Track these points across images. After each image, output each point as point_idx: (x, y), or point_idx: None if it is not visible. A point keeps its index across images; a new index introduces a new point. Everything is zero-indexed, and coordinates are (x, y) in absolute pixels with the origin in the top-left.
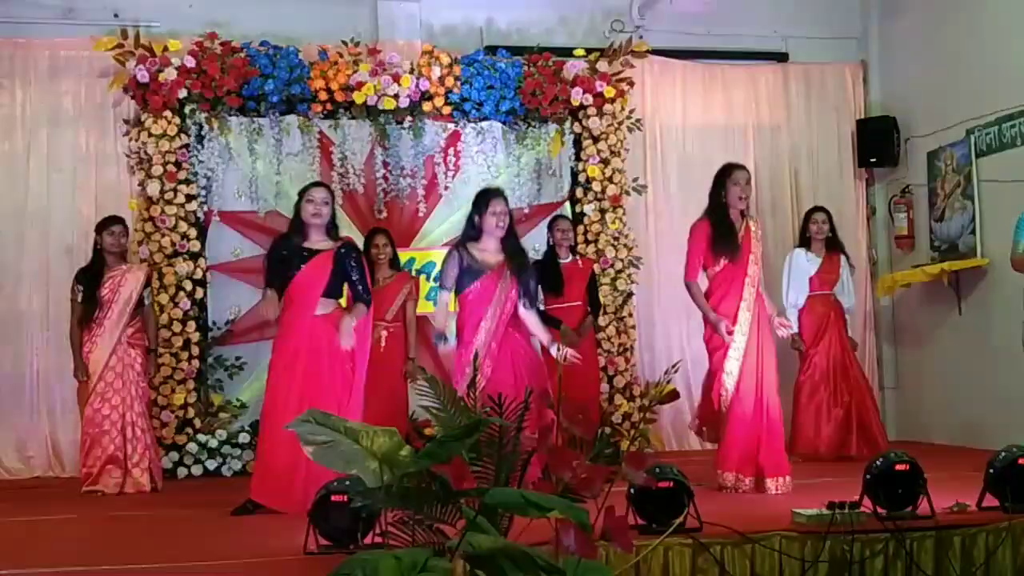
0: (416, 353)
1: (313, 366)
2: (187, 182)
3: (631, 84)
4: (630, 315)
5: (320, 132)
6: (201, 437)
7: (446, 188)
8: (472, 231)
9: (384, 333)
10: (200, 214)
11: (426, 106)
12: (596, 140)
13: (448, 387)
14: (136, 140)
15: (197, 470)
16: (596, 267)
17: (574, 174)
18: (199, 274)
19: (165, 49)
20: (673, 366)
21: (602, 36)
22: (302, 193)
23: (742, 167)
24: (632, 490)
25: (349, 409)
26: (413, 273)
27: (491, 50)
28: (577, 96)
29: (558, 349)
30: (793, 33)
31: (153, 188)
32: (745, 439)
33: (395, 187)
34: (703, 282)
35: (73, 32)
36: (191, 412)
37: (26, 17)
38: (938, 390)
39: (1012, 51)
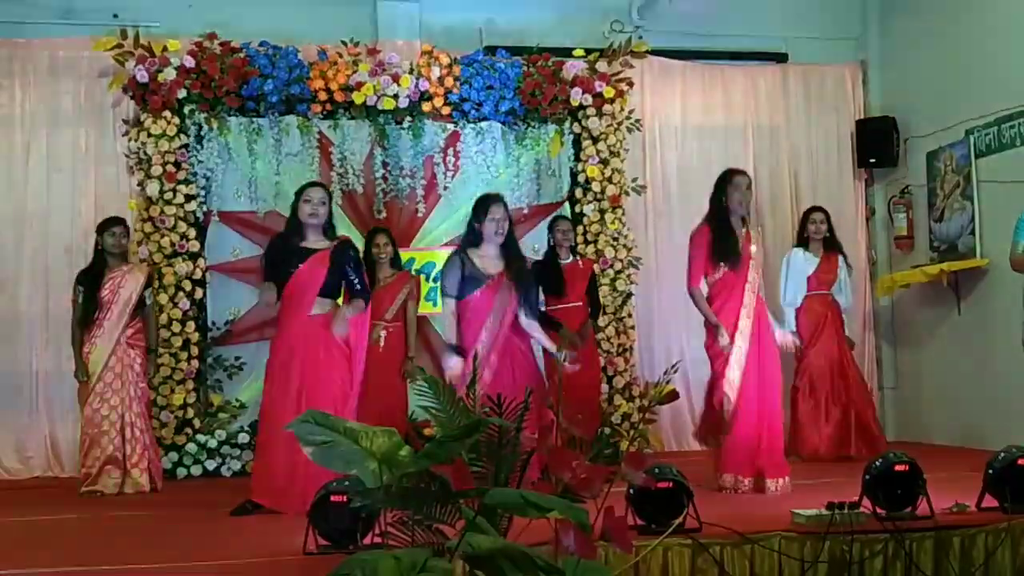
0: (416, 353)
1: (310, 366)
2: (186, 182)
3: (630, 84)
4: (629, 315)
5: (319, 132)
6: (200, 437)
7: (445, 188)
8: (472, 237)
9: (383, 333)
10: (199, 214)
11: (425, 106)
12: (595, 140)
13: (447, 387)
14: (135, 140)
15: (196, 470)
16: (596, 267)
17: (573, 174)
18: (198, 274)
19: (164, 49)
20: (672, 366)
21: (601, 36)
22: (299, 193)
23: (743, 172)
24: (631, 490)
25: (346, 409)
26: (413, 273)
27: (490, 50)
28: (576, 96)
29: (564, 358)
30: (793, 34)
31: (152, 188)
32: (747, 444)
33: (394, 187)
34: (703, 289)
35: (73, 32)
36: (190, 412)
37: (26, 17)
38: (937, 390)
39: (1012, 52)
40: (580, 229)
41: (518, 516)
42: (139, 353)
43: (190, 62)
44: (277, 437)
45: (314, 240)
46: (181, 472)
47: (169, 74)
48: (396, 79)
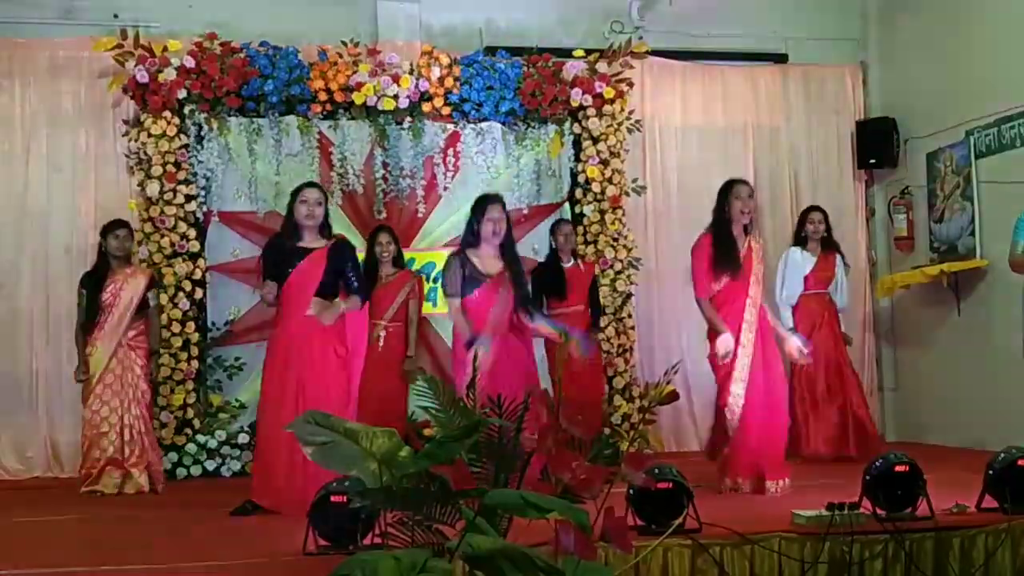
0: (415, 352)
1: (307, 365)
2: (186, 182)
3: (630, 85)
4: (629, 316)
5: (319, 133)
6: (200, 438)
7: (445, 189)
8: (471, 237)
9: (383, 332)
10: (199, 214)
11: (425, 107)
12: (595, 141)
13: (447, 388)
14: (135, 140)
15: (196, 471)
16: (596, 268)
17: (573, 175)
18: (198, 274)
19: (165, 49)
20: (673, 367)
21: (601, 37)
22: (295, 193)
23: (744, 182)
24: (631, 491)
25: (345, 409)
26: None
27: (491, 51)
28: (576, 97)
29: (577, 346)
30: (793, 34)
31: (152, 188)
32: (750, 454)
33: (394, 188)
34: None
35: (73, 32)
36: (190, 413)
37: (26, 17)
38: (937, 391)
39: (1011, 53)
40: (580, 230)
41: (518, 517)
42: (141, 355)
43: (190, 62)
44: (273, 437)
45: (310, 240)
46: (181, 472)
47: (169, 74)
48: (396, 79)
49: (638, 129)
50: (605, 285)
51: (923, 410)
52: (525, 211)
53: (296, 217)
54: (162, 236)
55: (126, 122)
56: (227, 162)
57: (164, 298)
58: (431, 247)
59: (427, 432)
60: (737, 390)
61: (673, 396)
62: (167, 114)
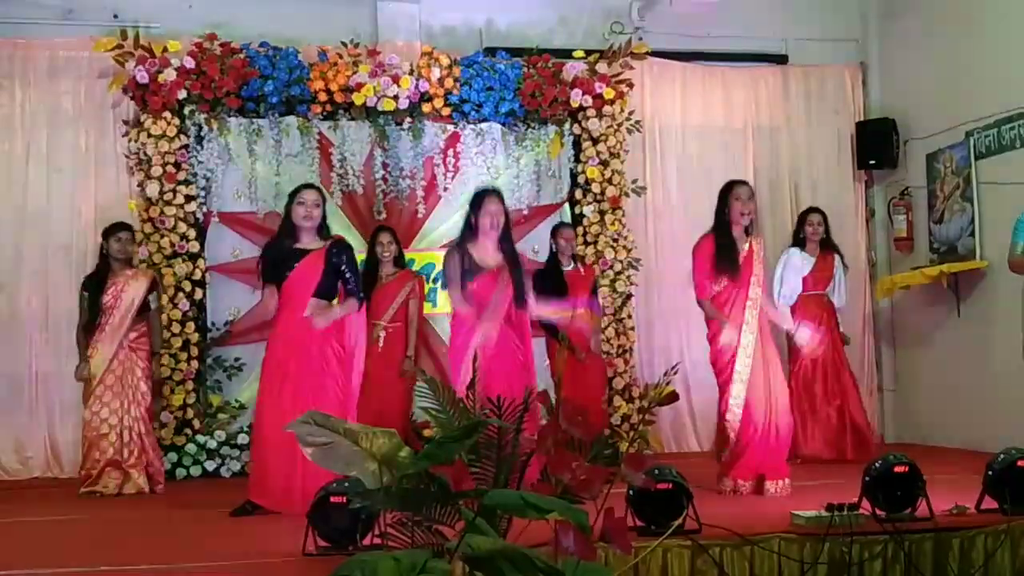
0: (414, 352)
1: (304, 367)
2: (186, 183)
3: (630, 86)
4: (629, 317)
5: (319, 133)
6: (200, 438)
7: (445, 189)
8: (469, 231)
9: (383, 333)
10: (199, 215)
11: (425, 107)
12: (595, 142)
13: (447, 388)
14: (135, 141)
15: (196, 471)
16: (595, 268)
17: (573, 176)
18: (198, 275)
19: (165, 50)
20: (672, 368)
21: (602, 38)
22: (293, 195)
23: (744, 183)
24: (631, 492)
25: (343, 409)
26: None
27: (490, 51)
28: (576, 98)
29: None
30: (793, 35)
31: (152, 189)
32: (751, 455)
33: (394, 188)
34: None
35: (73, 32)
36: (190, 413)
37: (26, 17)
38: (937, 392)
39: (1011, 53)
40: (580, 230)
41: (518, 517)
42: (142, 357)
43: (190, 63)
44: (271, 437)
45: (308, 241)
46: (181, 473)
47: (169, 75)
48: (396, 80)
49: (638, 130)
50: (605, 286)
51: (922, 411)
52: (525, 212)
53: (294, 218)
54: (162, 236)
55: (126, 122)
56: (227, 163)
57: (164, 299)
58: (431, 247)
59: (427, 433)
60: (738, 391)
61: (673, 397)
62: (167, 114)
